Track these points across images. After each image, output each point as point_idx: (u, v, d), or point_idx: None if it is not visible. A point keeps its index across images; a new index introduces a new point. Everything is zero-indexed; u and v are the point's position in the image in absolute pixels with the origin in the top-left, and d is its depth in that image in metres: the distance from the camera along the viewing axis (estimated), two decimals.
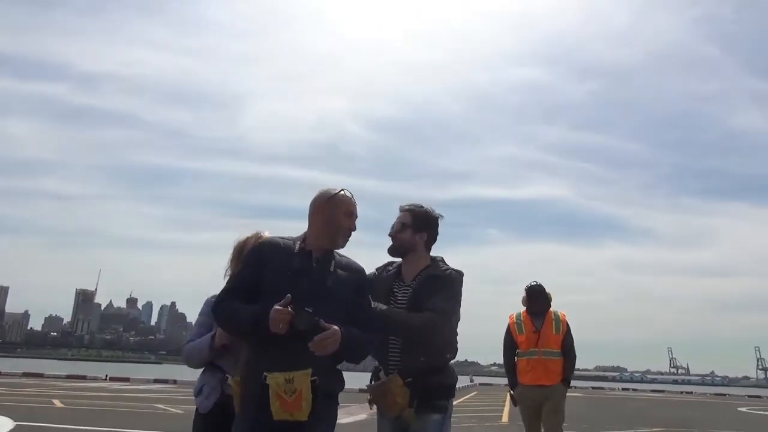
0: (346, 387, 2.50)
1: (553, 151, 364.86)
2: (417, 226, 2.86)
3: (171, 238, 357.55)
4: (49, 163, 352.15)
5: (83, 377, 27.04)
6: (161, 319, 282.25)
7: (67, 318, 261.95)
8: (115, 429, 8.99)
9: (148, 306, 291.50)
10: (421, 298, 2.73)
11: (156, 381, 26.87)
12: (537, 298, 5.21)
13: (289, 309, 2.21)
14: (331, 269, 2.47)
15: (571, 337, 5.23)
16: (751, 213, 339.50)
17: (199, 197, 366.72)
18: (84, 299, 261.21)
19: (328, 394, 2.35)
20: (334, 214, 2.49)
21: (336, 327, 2.27)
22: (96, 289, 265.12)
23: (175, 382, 26.38)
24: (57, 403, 13.53)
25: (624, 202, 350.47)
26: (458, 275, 2.85)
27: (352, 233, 2.54)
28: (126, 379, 27.02)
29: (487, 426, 11.60)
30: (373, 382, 2.75)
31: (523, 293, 5.28)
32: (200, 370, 2.96)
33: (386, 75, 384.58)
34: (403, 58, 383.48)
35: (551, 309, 5.24)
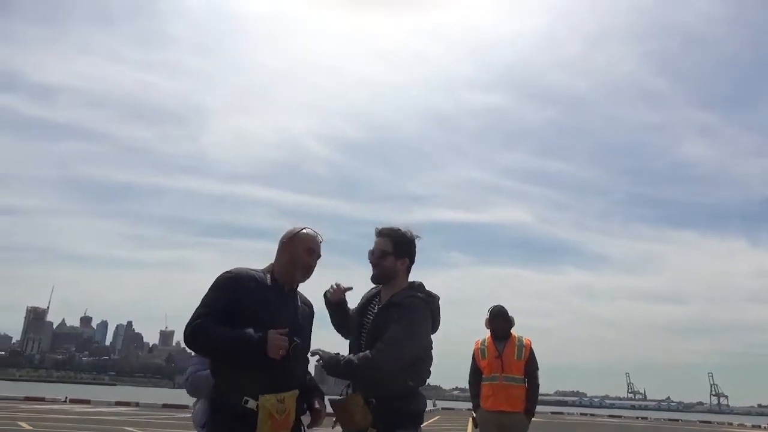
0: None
1: (513, 175, 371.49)
2: (399, 252, 2.85)
3: (128, 256, 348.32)
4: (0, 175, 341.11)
5: (42, 399, 26.45)
6: (116, 339, 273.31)
7: (16, 336, 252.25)
8: None
9: (103, 325, 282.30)
10: (379, 327, 2.75)
11: (118, 403, 26.49)
12: (499, 319, 5.28)
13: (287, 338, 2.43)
14: (299, 303, 2.69)
15: (536, 363, 5.21)
16: (700, 241, 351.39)
17: (157, 214, 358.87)
18: (35, 317, 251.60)
19: (302, 411, 2.61)
20: (295, 251, 2.65)
21: (322, 402, 2.64)
22: (48, 307, 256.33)
23: (137, 404, 26.09)
24: (24, 425, 13.47)
25: (581, 228, 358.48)
26: (419, 302, 2.79)
27: (314, 269, 2.69)
28: (87, 402, 26.52)
29: None
30: (340, 397, 2.76)
31: (486, 315, 5.36)
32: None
33: (348, 96, 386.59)
34: (364, 79, 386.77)
35: (515, 335, 5.29)
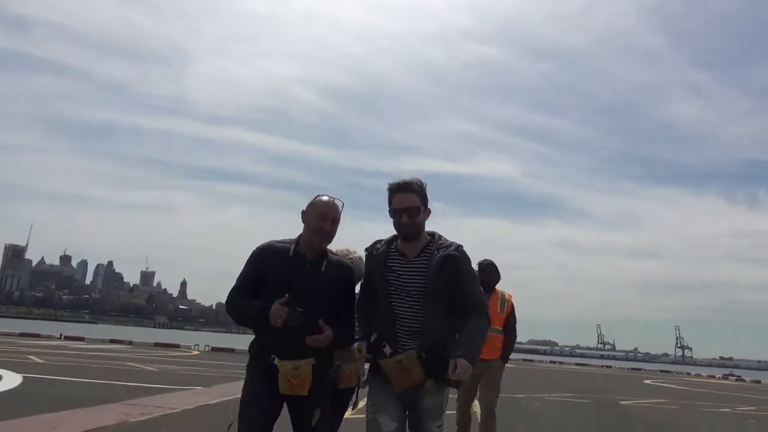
0: None
1: (503, 129, 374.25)
2: (424, 204, 2.85)
3: (109, 196, 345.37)
4: None
5: (37, 335, 27.55)
6: (97, 279, 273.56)
7: None
8: (116, 382, 10.31)
9: (83, 264, 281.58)
10: (444, 281, 2.75)
11: (112, 341, 27.68)
12: (488, 272, 5.38)
13: (286, 308, 2.68)
14: (323, 269, 2.85)
15: (515, 318, 5.45)
16: (682, 199, 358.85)
17: (140, 155, 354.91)
18: (14, 255, 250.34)
19: (322, 374, 2.84)
20: (311, 218, 2.85)
21: (329, 329, 2.74)
22: (27, 245, 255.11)
23: (130, 343, 27.33)
24: (35, 359, 14.54)
25: (567, 183, 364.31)
26: (466, 254, 2.85)
27: (334, 234, 2.87)
28: (81, 339, 27.65)
29: None
30: (387, 358, 2.74)
31: (475, 268, 5.86)
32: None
33: (340, 43, 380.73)
34: (357, 27, 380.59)
35: (499, 289, 5.44)
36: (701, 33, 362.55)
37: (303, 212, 2.89)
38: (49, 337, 27.21)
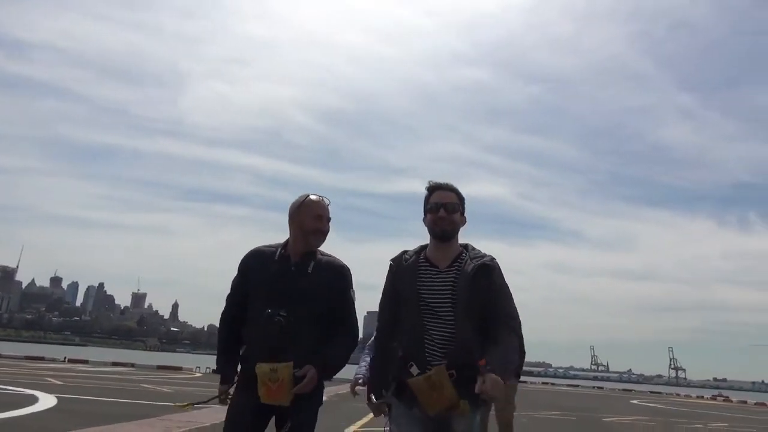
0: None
1: (494, 151, 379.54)
2: (463, 209, 2.69)
3: (103, 218, 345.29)
4: None
5: (41, 358, 28.23)
6: (87, 301, 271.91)
7: None
8: (141, 401, 11.26)
9: (74, 286, 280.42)
10: (478, 291, 2.51)
11: (114, 364, 28.35)
12: None
13: (229, 395, 2.69)
14: (310, 271, 2.68)
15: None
16: (673, 221, 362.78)
17: (135, 177, 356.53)
18: (4, 276, 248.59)
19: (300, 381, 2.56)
20: (303, 219, 2.71)
21: (312, 370, 2.54)
22: (17, 266, 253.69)
23: (133, 365, 27.99)
24: (54, 381, 15.35)
25: (559, 205, 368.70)
26: (499, 266, 2.65)
27: (328, 232, 2.75)
28: (85, 362, 28.35)
29: None
30: (415, 376, 2.46)
31: None
32: None
33: (333, 66, 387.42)
34: (350, 50, 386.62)
35: None
36: (688, 57, 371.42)
37: (291, 214, 2.75)
38: (54, 360, 27.88)
